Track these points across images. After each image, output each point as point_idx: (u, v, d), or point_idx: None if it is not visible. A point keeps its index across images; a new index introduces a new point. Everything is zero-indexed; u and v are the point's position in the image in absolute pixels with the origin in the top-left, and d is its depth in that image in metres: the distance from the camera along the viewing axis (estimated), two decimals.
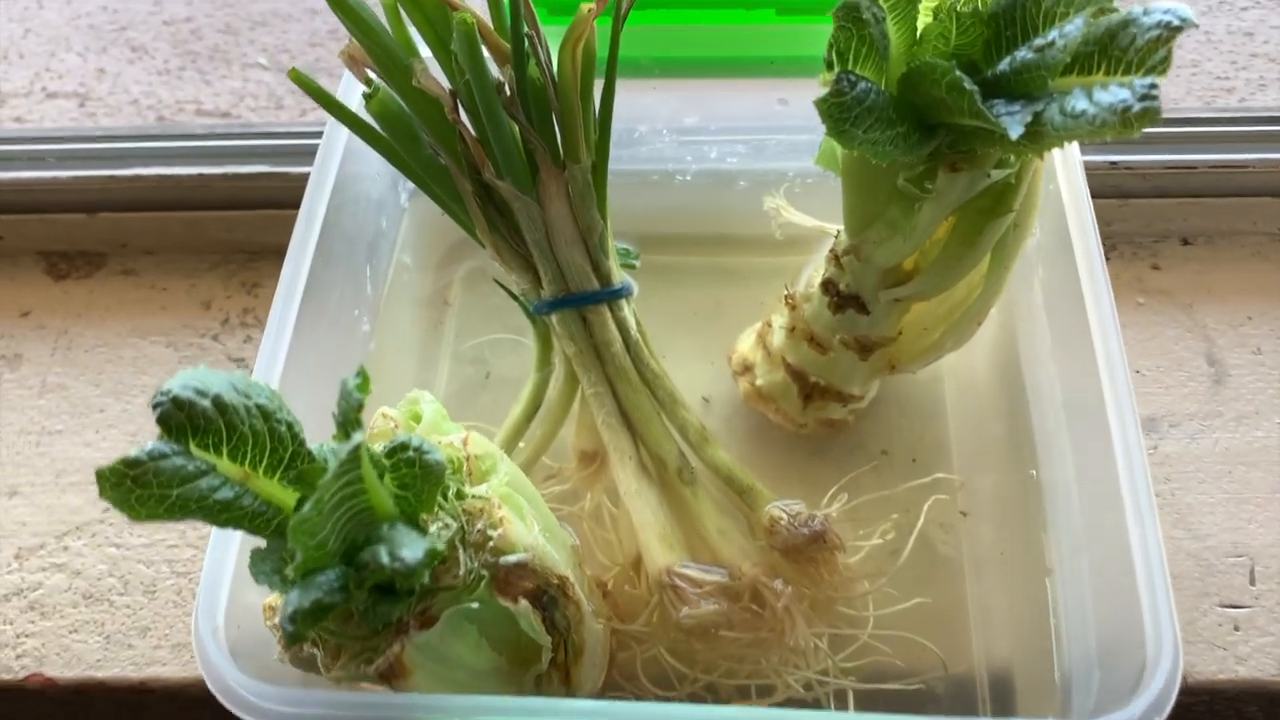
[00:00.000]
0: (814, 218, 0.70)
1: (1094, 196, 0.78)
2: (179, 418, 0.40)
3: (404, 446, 0.45)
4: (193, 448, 0.40)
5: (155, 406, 0.39)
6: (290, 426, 0.43)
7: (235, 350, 0.79)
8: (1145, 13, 0.47)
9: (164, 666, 0.66)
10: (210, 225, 0.82)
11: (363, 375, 0.43)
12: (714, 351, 0.73)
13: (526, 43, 0.56)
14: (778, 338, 0.69)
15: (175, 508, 0.40)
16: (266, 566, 0.43)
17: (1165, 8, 0.46)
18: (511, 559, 0.49)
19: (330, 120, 0.66)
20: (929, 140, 0.54)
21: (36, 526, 0.72)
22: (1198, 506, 0.70)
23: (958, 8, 0.52)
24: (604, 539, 0.63)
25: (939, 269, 0.62)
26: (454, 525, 0.48)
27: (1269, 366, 0.75)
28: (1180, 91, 0.92)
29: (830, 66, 0.51)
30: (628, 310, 0.62)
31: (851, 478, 0.64)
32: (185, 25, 1.04)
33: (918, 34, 0.53)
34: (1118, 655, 0.51)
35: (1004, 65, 0.50)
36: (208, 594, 0.50)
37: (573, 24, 0.55)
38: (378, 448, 0.46)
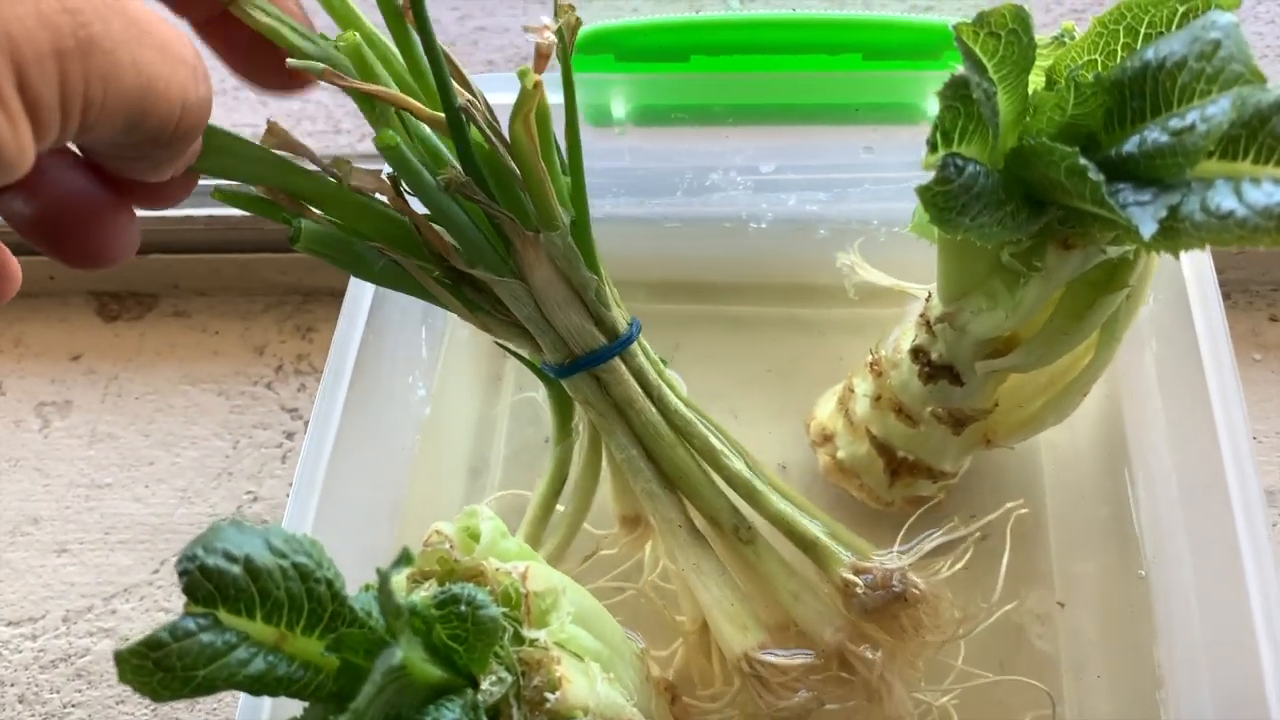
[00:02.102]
0: (902, 266, 0.65)
1: None
2: (207, 588, 0.36)
3: (456, 599, 0.41)
4: (222, 615, 0.37)
5: (182, 574, 0.36)
6: (330, 584, 0.40)
7: (289, 400, 0.76)
8: None
9: None
10: (263, 267, 0.79)
11: (405, 555, 0.39)
12: (791, 412, 0.69)
13: (463, 117, 0.48)
14: (861, 406, 0.64)
15: (203, 687, 0.36)
16: None
17: None
18: None
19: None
20: (1039, 217, 0.48)
21: (85, 587, 0.70)
22: None
23: (1076, 76, 0.46)
24: (662, 607, 0.59)
25: (1043, 342, 0.56)
26: (508, 680, 0.44)
27: None
28: None
29: (934, 148, 0.46)
30: (642, 356, 0.55)
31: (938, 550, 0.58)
32: None
33: (1029, 100, 0.48)
34: None
35: (1131, 145, 0.45)
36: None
37: (518, 100, 0.46)
38: (425, 593, 0.42)
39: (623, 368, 0.54)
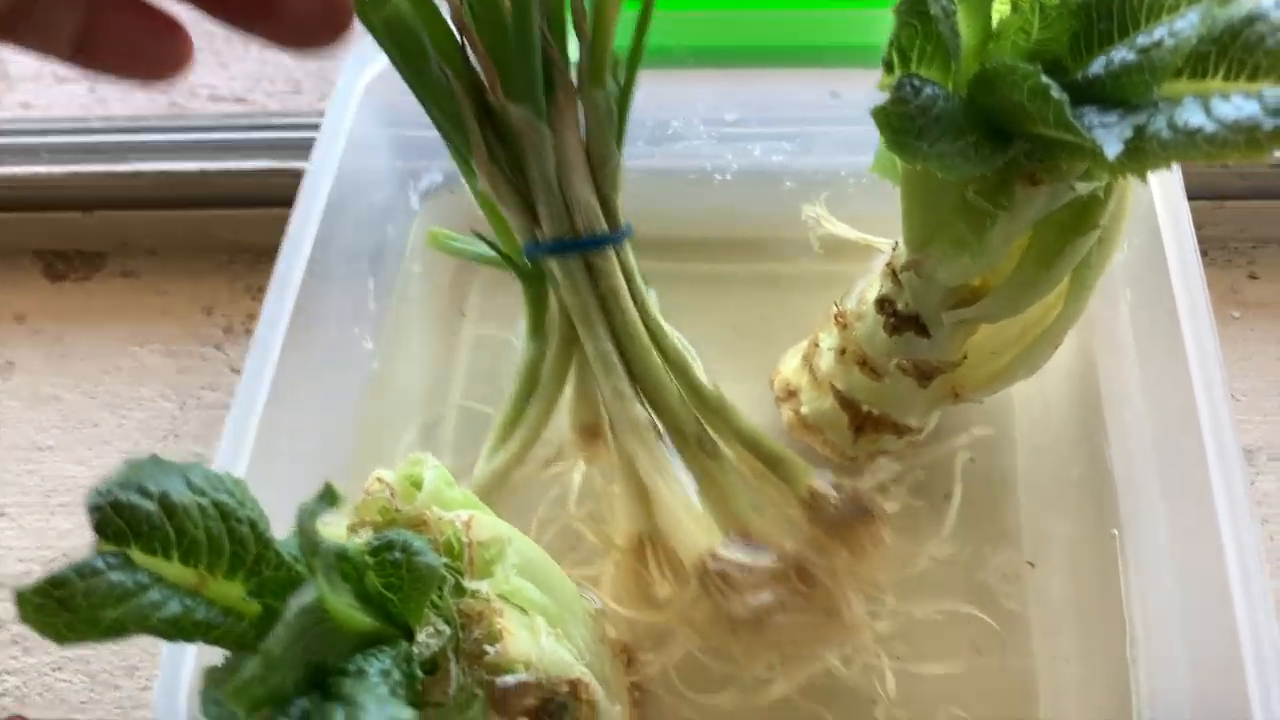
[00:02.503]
0: (871, 219, 0.62)
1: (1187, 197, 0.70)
2: (118, 524, 0.34)
3: (390, 546, 0.39)
4: (135, 554, 0.34)
5: (92, 510, 0.33)
6: (254, 525, 0.37)
7: (237, 361, 0.74)
8: (1277, 5, 0.39)
9: (150, 710, 0.61)
10: (214, 224, 0.77)
11: (329, 491, 0.37)
12: (756, 370, 0.66)
13: None
14: (826, 361, 0.62)
15: (112, 630, 0.34)
16: (219, 698, 0.37)
17: None
18: (510, 680, 0.43)
19: (328, 117, 0.60)
20: (1004, 149, 0.46)
21: (23, 551, 0.67)
22: None
23: None
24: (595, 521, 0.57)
25: (1011, 290, 0.54)
26: (446, 632, 0.42)
27: None
28: None
29: (890, 68, 0.43)
30: (632, 257, 0.55)
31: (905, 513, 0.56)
32: None
33: (993, 27, 0.46)
34: None
35: (1098, 67, 0.42)
36: (170, 668, 0.45)
37: None
38: (361, 539, 0.40)
39: (615, 260, 0.53)
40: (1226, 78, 0.39)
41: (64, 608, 0.34)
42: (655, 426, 0.54)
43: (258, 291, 0.76)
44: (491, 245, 0.59)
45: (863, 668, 0.50)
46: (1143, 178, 0.40)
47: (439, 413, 0.65)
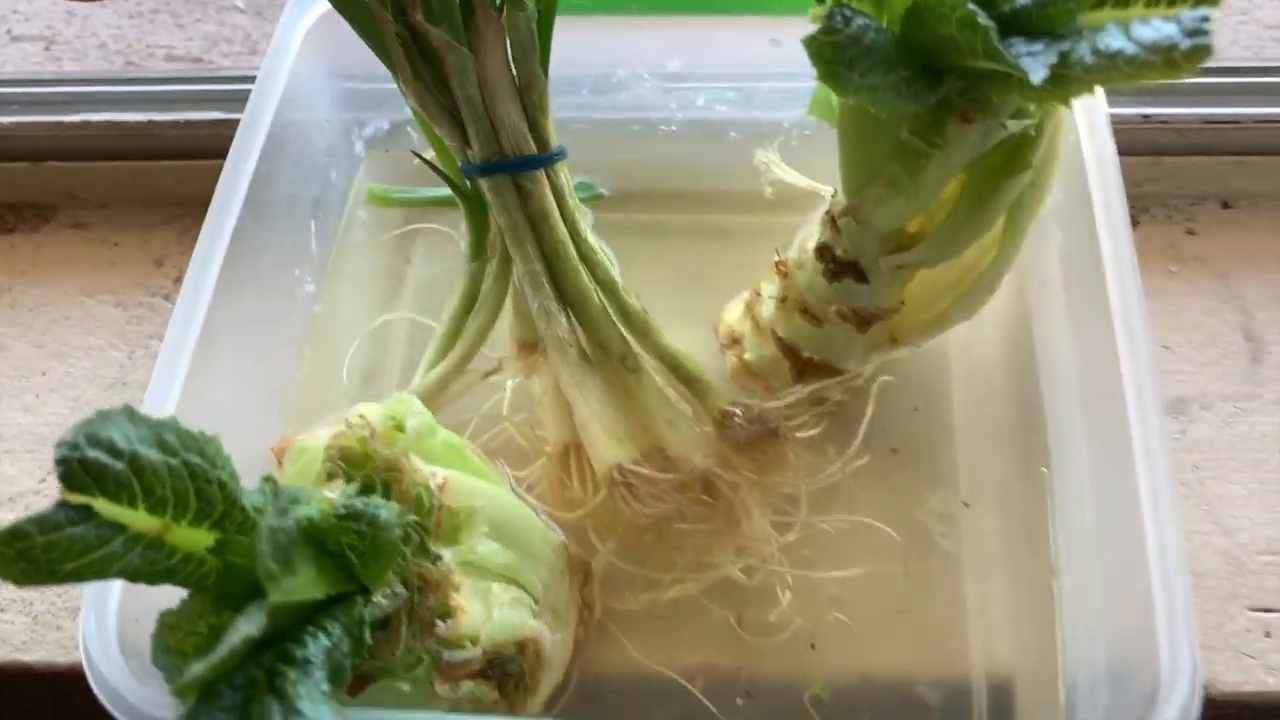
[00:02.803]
0: (811, 175, 0.64)
1: (1124, 154, 0.71)
2: (84, 479, 0.34)
3: (358, 516, 0.40)
4: (100, 505, 0.35)
5: (59, 463, 0.33)
6: (223, 486, 0.38)
7: None
8: None
9: (55, 650, 0.62)
10: (162, 176, 0.77)
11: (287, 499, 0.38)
12: (700, 319, 0.67)
13: None
14: (768, 309, 0.63)
15: (71, 577, 0.34)
16: (170, 647, 0.38)
17: None
18: (457, 656, 0.44)
19: (267, 59, 0.60)
20: (936, 86, 0.47)
21: None
22: (1229, 498, 0.63)
23: None
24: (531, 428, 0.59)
25: (946, 233, 0.55)
26: (402, 594, 0.42)
27: None
28: (1226, 40, 0.85)
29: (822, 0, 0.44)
30: (565, 178, 0.56)
31: (844, 460, 0.58)
32: None
33: None
34: (1128, 673, 0.45)
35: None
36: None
37: None
38: (333, 493, 0.41)
39: (545, 181, 0.54)
40: (1148, 4, 0.41)
41: (23, 558, 0.34)
42: (580, 343, 0.56)
43: None
44: (434, 168, 0.59)
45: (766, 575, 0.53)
46: (1066, 103, 0.41)
47: (382, 357, 0.66)
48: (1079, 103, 0.57)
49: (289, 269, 0.61)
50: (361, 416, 0.48)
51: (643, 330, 0.56)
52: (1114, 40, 0.39)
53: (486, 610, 0.47)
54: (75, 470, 0.34)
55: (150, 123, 0.75)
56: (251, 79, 0.77)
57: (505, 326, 0.60)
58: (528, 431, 0.59)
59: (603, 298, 0.56)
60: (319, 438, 0.48)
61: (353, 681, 0.44)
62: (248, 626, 0.36)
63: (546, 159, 0.54)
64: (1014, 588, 0.57)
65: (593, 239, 0.56)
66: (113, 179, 0.77)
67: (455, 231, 0.61)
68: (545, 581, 0.51)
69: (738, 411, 0.54)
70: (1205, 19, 0.37)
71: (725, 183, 0.67)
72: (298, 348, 0.61)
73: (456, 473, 0.48)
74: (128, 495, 0.35)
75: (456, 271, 0.65)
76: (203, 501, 0.38)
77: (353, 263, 0.67)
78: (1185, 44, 0.37)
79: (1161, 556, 0.45)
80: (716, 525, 0.53)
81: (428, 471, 0.47)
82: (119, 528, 0.36)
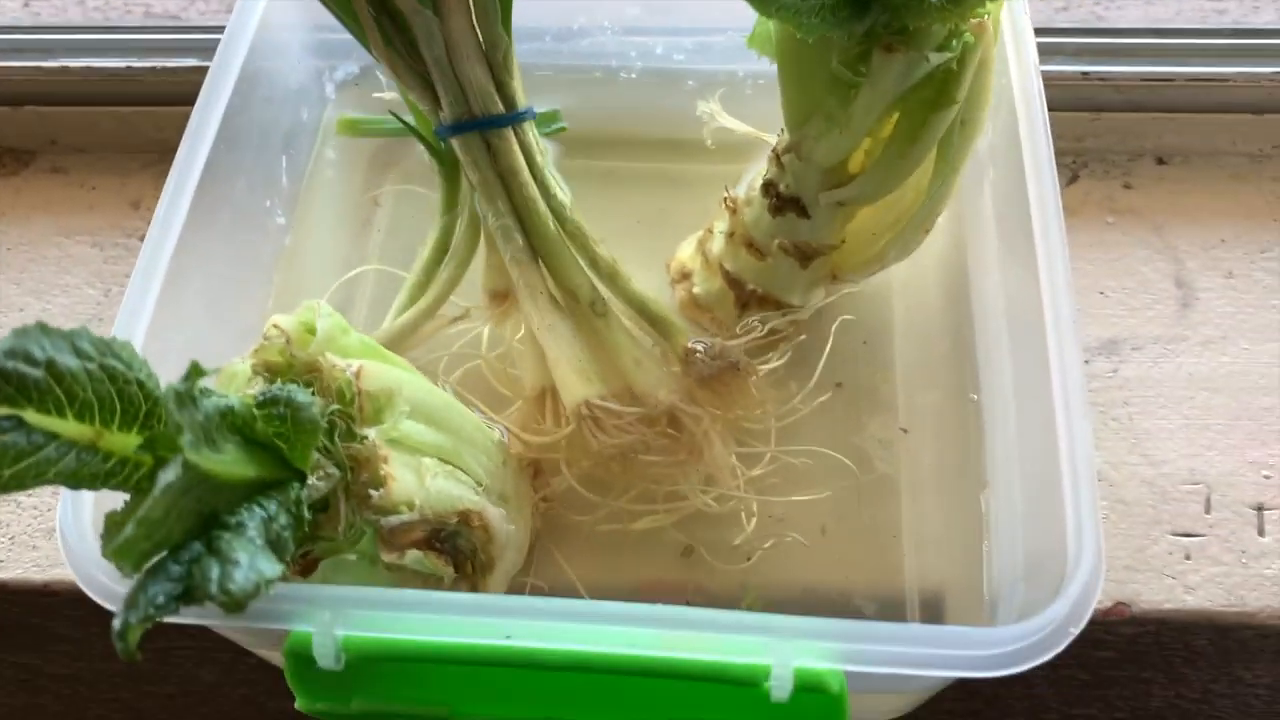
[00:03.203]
0: (764, 123, 0.66)
1: (1064, 109, 0.75)
2: (8, 391, 0.36)
3: (275, 401, 0.43)
4: (30, 415, 0.37)
5: None
6: (142, 385, 0.40)
7: None
8: None
9: (64, 569, 0.64)
10: (141, 121, 0.79)
11: (194, 369, 0.40)
12: (657, 261, 0.70)
13: None
14: (717, 244, 0.65)
15: (11, 484, 0.37)
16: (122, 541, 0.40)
17: None
18: (394, 520, 0.47)
19: (238, 7, 0.63)
20: (861, 17, 0.50)
21: None
22: (1156, 432, 0.66)
23: None
24: (509, 376, 0.62)
25: (881, 168, 0.58)
26: (335, 475, 0.45)
27: (1239, 291, 0.71)
28: (1169, 12, 0.88)
29: None
30: (533, 136, 0.59)
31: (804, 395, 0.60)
32: None
33: None
34: (1041, 567, 0.48)
35: None
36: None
37: None
38: (253, 390, 0.43)
39: (513, 139, 0.57)
40: None
41: None
42: (550, 291, 0.58)
43: None
44: (408, 126, 0.62)
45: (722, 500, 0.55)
46: (965, 20, 0.44)
47: (351, 291, 0.68)
48: (1010, 42, 0.61)
49: (260, 200, 0.63)
50: (275, 326, 0.51)
51: (610, 276, 0.59)
52: None
53: (419, 480, 0.49)
54: None
55: (128, 69, 0.77)
56: (218, 28, 0.80)
57: (474, 276, 0.63)
58: (500, 370, 0.61)
59: (572, 247, 0.58)
60: (244, 360, 0.51)
61: (303, 565, 0.47)
62: (167, 475, 0.38)
63: (514, 117, 0.57)
64: (946, 505, 0.60)
65: (560, 194, 0.58)
66: (91, 124, 0.80)
67: (424, 170, 0.63)
68: (486, 468, 0.54)
69: (699, 349, 0.57)
70: None
71: (683, 130, 0.70)
72: (269, 274, 0.64)
73: (371, 361, 0.51)
74: (53, 402, 0.38)
75: (422, 209, 0.68)
76: (125, 402, 0.40)
77: (322, 198, 0.69)
78: None
79: (1072, 464, 0.48)
80: (680, 456, 0.56)
81: (344, 364, 0.49)
82: (51, 435, 0.38)
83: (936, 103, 0.55)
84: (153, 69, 0.77)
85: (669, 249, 0.70)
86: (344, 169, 0.71)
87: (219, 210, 0.57)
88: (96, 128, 0.80)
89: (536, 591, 0.58)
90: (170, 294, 0.54)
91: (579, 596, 0.57)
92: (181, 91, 0.77)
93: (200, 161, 0.56)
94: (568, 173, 0.64)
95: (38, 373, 0.37)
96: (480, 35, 0.56)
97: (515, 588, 0.57)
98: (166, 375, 0.51)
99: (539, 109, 0.65)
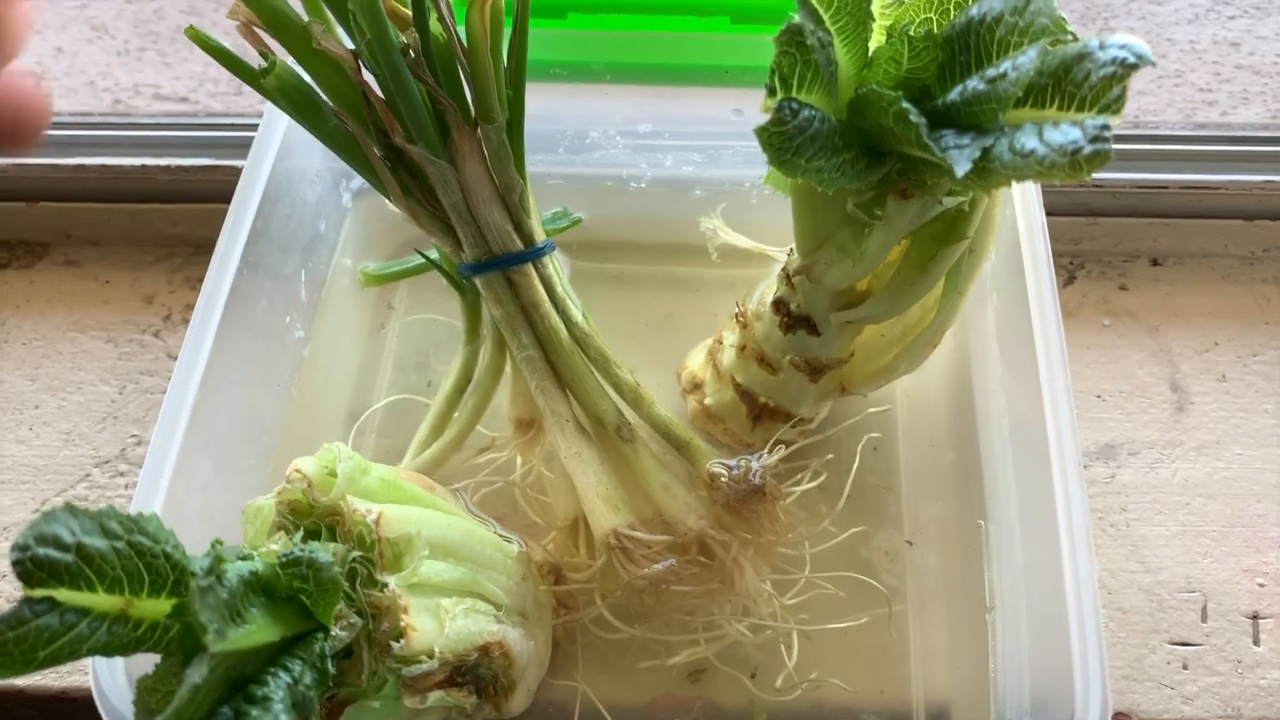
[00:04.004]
0: (770, 230, 0.68)
1: (1062, 214, 0.77)
2: (40, 576, 0.37)
3: (298, 562, 0.44)
4: (61, 593, 0.38)
5: (15, 564, 0.37)
6: (169, 556, 0.41)
7: (176, 348, 0.77)
8: (1101, 46, 0.44)
9: (85, 675, 0.64)
10: (154, 218, 0.80)
11: (215, 557, 0.42)
12: (665, 364, 0.72)
13: (427, 4, 0.54)
14: (728, 356, 0.67)
15: (47, 663, 0.38)
16: (151, 708, 0.41)
17: (1121, 42, 0.44)
18: (417, 670, 0.48)
19: (265, 118, 0.64)
20: (878, 167, 0.52)
21: None
22: (1152, 538, 0.68)
23: (911, 30, 0.50)
24: (541, 504, 0.63)
25: (891, 293, 0.60)
26: (358, 624, 0.47)
27: (1232, 395, 0.73)
28: (1161, 103, 0.90)
29: (773, 93, 0.49)
30: (552, 269, 0.60)
31: (797, 499, 0.62)
32: (148, 4, 1.02)
33: (869, 55, 0.51)
34: (1048, 707, 0.50)
35: (955, 94, 0.48)
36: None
37: None
38: (273, 546, 0.45)
39: (534, 274, 0.59)
40: (1060, 107, 0.45)
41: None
42: (577, 418, 0.60)
43: (197, 282, 0.80)
44: (431, 262, 0.64)
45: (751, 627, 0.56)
46: (988, 193, 0.46)
47: (366, 397, 0.70)
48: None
49: (281, 317, 0.65)
50: (298, 471, 0.52)
51: (634, 401, 0.60)
52: (1029, 141, 0.44)
53: (438, 625, 0.50)
54: (30, 569, 0.37)
55: (144, 167, 0.78)
56: (240, 124, 0.81)
57: (495, 403, 0.64)
58: (533, 498, 0.63)
59: (596, 374, 0.60)
60: (269, 498, 0.52)
61: (330, 709, 0.49)
62: (194, 676, 0.40)
63: (533, 253, 0.58)
64: (952, 622, 0.62)
65: (583, 322, 0.60)
66: (105, 219, 0.81)
67: (434, 279, 0.65)
68: (506, 588, 0.55)
69: (724, 473, 0.58)
70: (1106, 127, 0.42)
71: (690, 237, 0.71)
72: (288, 389, 0.65)
73: (390, 505, 0.52)
74: (84, 581, 0.39)
75: (434, 318, 0.70)
76: (153, 574, 0.41)
77: (339, 309, 0.71)
78: (1088, 149, 0.42)
79: (1079, 602, 0.50)
80: (712, 585, 0.57)
81: (364, 509, 0.51)
82: (83, 611, 0.39)
83: (946, 237, 0.57)
84: (167, 167, 0.78)
85: (676, 350, 0.72)
86: (357, 276, 0.72)
87: (242, 334, 0.59)
88: (110, 222, 0.81)
89: (553, 696, 0.59)
90: (202, 408, 0.56)
91: (593, 708, 0.59)
92: (195, 189, 0.79)
93: (224, 292, 0.57)
94: (579, 275, 0.66)
95: (68, 557, 0.38)
96: (496, 179, 0.57)
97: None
98: (195, 502, 0.53)
99: (548, 212, 0.67)
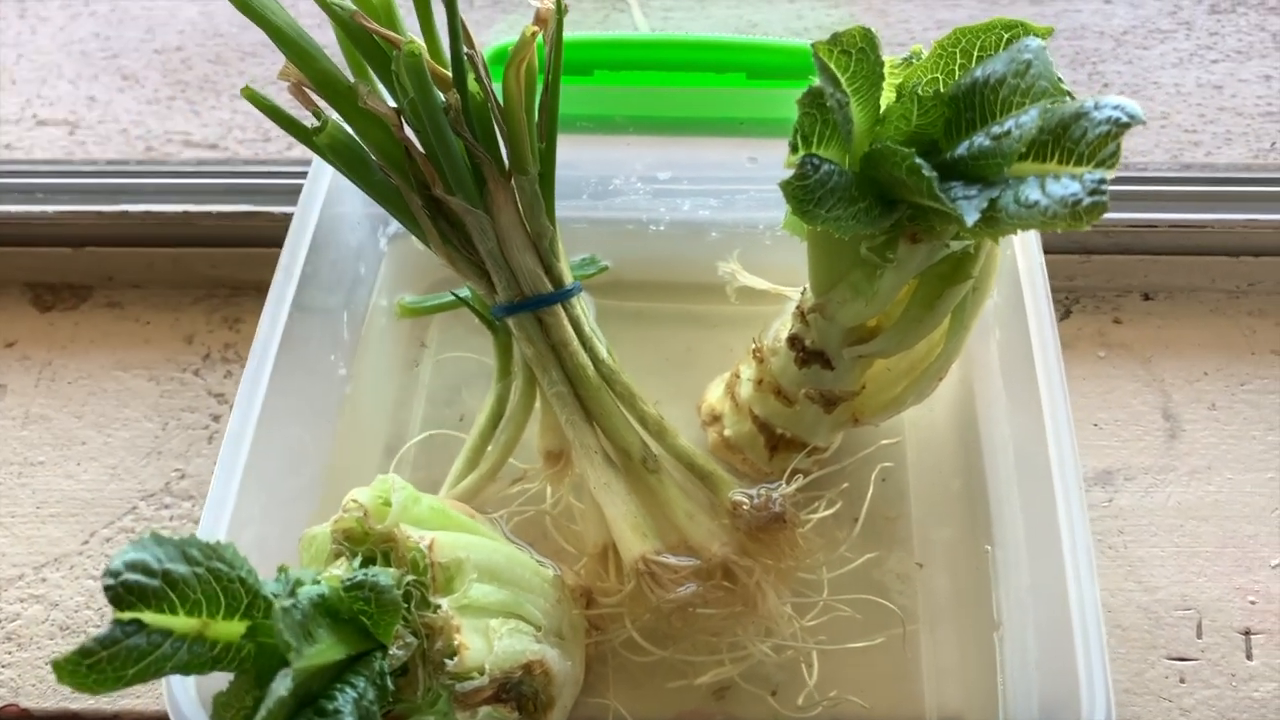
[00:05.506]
0: (784, 267, 0.72)
1: (1057, 252, 0.81)
2: (130, 600, 0.41)
3: (361, 585, 0.48)
4: (146, 616, 0.42)
5: (106, 589, 0.40)
6: (244, 581, 0.45)
7: (215, 385, 0.81)
8: (1096, 106, 0.49)
9: (137, 699, 0.68)
10: (194, 261, 0.84)
11: (295, 583, 0.47)
12: (684, 397, 0.75)
13: (466, 61, 0.58)
14: (745, 390, 0.71)
15: (136, 679, 0.41)
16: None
17: (1115, 103, 0.48)
18: (469, 686, 0.51)
19: (313, 169, 0.68)
20: (890, 214, 0.56)
21: (15, 557, 0.73)
22: (1149, 559, 0.72)
23: (919, 90, 0.54)
24: (572, 531, 0.66)
25: (900, 329, 0.64)
26: (413, 643, 0.50)
27: (1222, 422, 0.77)
28: (1149, 144, 0.95)
29: (795, 149, 0.53)
30: (580, 309, 0.64)
31: (814, 526, 0.65)
32: (176, 54, 1.06)
33: (881, 112, 0.55)
34: (1056, 717, 0.53)
35: (963, 149, 0.52)
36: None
37: (516, 46, 0.58)
38: (337, 572, 0.49)
39: (563, 314, 0.63)
40: (1060, 161, 0.49)
41: (93, 671, 0.41)
42: (605, 450, 0.64)
43: (235, 322, 0.84)
44: (463, 301, 0.69)
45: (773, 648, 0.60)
46: (995, 240, 0.50)
47: (402, 430, 0.74)
48: None
49: (326, 355, 0.68)
50: (355, 501, 0.55)
51: (659, 433, 0.64)
52: (1032, 193, 0.48)
53: (487, 643, 0.54)
54: (120, 594, 0.41)
55: (185, 213, 0.82)
56: (274, 171, 0.85)
57: (526, 437, 0.68)
58: (564, 527, 0.66)
59: (623, 408, 0.63)
60: (324, 527, 0.56)
61: None
62: (279, 690, 0.43)
63: (562, 295, 0.63)
64: (961, 640, 0.65)
65: (609, 359, 0.64)
66: (147, 263, 0.84)
67: (465, 315, 0.69)
68: (544, 610, 0.59)
69: (745, 502, 0.62)
70: (1103, 180, 0.46)
71: (707, 276, 0.75)
72: (333, 424, 0.69)
73: (440, 532, 0.56)
74: (167, 605, 0.42)
75: (465, 352, 0.74)
76: (230, 598, 0.45)
77: (376, 344, 0.75)
78: (1086, 201, 0.46)
79: (1083, 619, 0.53)
80: (736, 608, 0.60)
81: (417, 536, 0.54)
82: (166, 632, 0.42)
83: (952, 277, 0.61)
84: (207, 213, 0.82)
85: (695, 383, 0.76)
86: (393, 314, 0.77)
87: (294, 373, 0.62)
88: (152, 266, 0.84)
89: (588, 714, 0.63)
90: (255, 457, 0.59)
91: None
92: (234, 234, 0.82)
93: (278, 334, 0.61)
94: (601, 313, 0.70)
95: (155, 582, 0.42)
96: (528, 227, 0.62)
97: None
98: (250, 532, 0.57)
99: (576, 257, 0.71)
